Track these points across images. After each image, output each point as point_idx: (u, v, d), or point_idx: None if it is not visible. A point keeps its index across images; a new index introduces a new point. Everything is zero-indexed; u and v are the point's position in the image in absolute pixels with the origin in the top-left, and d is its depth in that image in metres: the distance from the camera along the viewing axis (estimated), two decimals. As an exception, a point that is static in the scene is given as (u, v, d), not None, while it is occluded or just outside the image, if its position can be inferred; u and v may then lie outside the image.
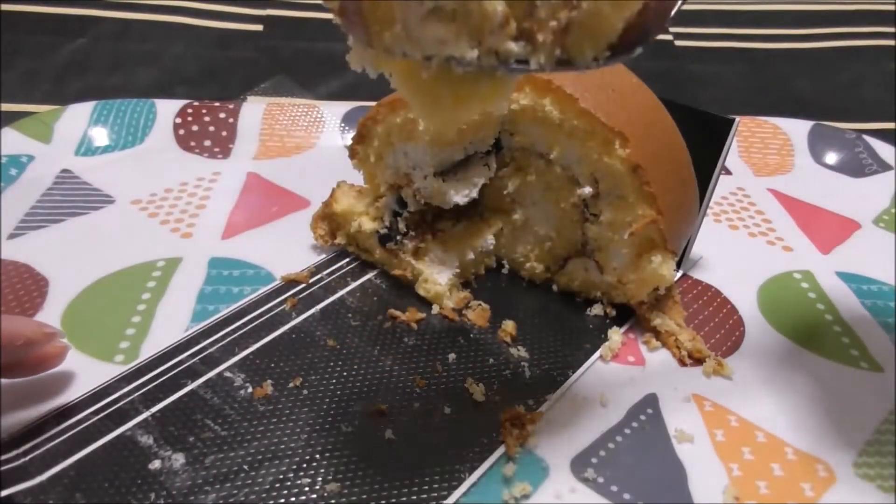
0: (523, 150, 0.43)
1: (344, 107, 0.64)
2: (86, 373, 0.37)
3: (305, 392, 0.37)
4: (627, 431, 0.37)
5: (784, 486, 0.34)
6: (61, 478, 0.32)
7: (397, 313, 0.43)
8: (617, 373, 0.40)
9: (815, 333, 0.44)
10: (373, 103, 0.42)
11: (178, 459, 0.33)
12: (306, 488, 0.32)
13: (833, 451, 0.36)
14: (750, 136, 0.66)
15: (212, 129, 0.60)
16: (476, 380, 0.39)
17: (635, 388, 0.39)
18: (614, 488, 0.34)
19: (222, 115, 0.61)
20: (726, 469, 0.35)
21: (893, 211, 0.58)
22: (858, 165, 0.63)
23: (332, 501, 0.32)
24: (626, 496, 0.33)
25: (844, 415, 0.38)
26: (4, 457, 0.33)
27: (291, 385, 0.38)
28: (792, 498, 0.34)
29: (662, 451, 0.36)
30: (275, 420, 0.36)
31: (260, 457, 0.34)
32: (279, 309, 0.43)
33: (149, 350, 0.39)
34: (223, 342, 0.40)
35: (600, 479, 0.34)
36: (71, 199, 0.52)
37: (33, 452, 0.33)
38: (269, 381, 0.38)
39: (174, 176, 0.55)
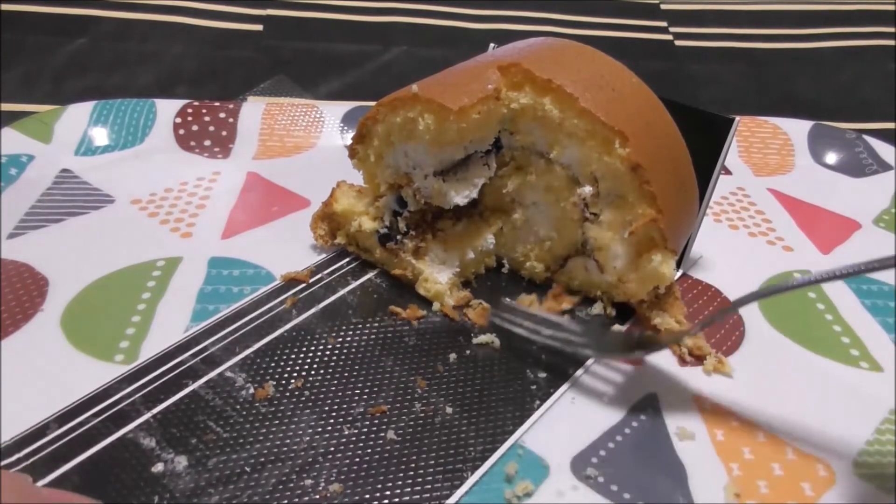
0: (523, 149, 0.43)
1: (344, 107, 0.64)
2: (86, 373, 0.38)
3: (307, 393, 0.37)
4: (627, 431, 0.37)
5: (784, 486, 0.34)
6: (64, 481, 0.32)
7: (398, 310, 0.43)
8: (617, 372, 0.40)
9: (815, 333, 0.44)
10: (372, 103, 0.42)
11: (181, 462, 0.33)
12: (309, 490, 0.32)
13: (833, 451, 0.36)
14: (750, 136, 0.66)
15: (212, 129, 0.60)
16: (477, 379, 0.39)
17: (635, 388, 0.39)
18: (614, 487, 0.34)
19: (222, 115, 0.61)
20: (726, 469, 0.35)
21: (893, 211, 0.58)
22: (858, 165, 0.63)
23: (335, 502, 0.32)
24: (627, 496, 0.33)
25: (844, 415, 0.38)
26: (6, 461, 0.33)
27: (293, 386, 0.38)
28: (792, 498, 0.34)
29: (663, 450, 0.36)
30: (276, 422, 0.36)
31: (262, 459, 0.34)
32: (280, 308, 0.43)
33: (149, 349, 0.39)
34: (224, 342, 0.40)
35: (601, 479, 0.34)
36: (71, 198, 0.52)
37: (35, 456, 0.33)
38: (271, 382, 0.38)
39: (174, 176, 0.55)
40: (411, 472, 0.34)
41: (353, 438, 0.35)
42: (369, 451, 0.34)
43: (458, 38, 0.84)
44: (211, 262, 0.47)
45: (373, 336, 0.42)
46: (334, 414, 0.36)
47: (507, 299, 0.44)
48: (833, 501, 0.34)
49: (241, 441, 0.34)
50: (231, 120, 0.61)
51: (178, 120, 0.60)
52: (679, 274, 0.48)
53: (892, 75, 0.82)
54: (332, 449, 0.34)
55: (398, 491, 0.33)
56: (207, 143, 0.60)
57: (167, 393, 0.37)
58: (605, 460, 0.35)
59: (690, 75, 0.81)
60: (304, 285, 0.45)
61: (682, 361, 0.41)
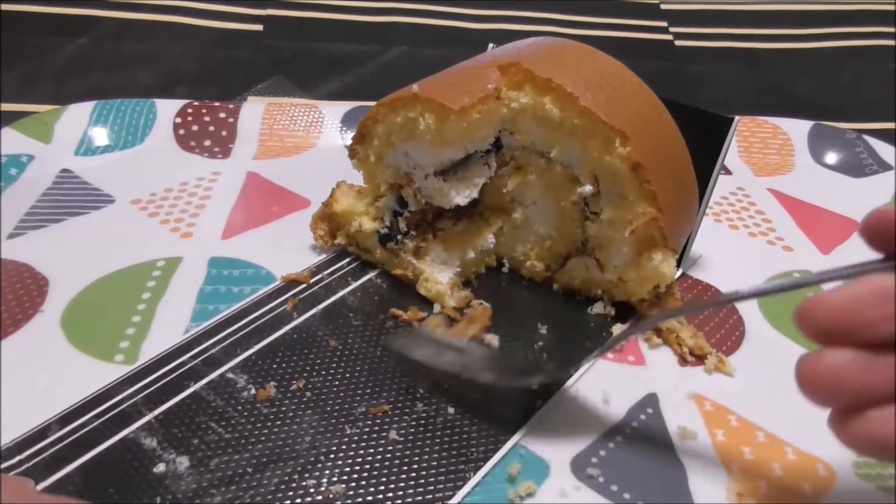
0: (523, 148, 0.43)
1: (343, 107, 0.64)
2: (86, 373, 0.37)
3: (309, 394, 0.37)
4: (628, 431, 0.37)
5: (784, 485, 0.34)
6: (65, 483, 0.32)
7: (399, 312, 0.43)
8: (617, 372, 0.40)
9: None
10: (372, 103, 0.42)
11: (183, 462, 0.33)
12: (311, 490, 0.32)
13: (833, 451, 0.36)
14: (750, 136, 0.66)
15: (212, 129, 0.60)
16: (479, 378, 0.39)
17: (636, 388, 0.39)
18: (614, 488, 0.34)
19: (222, 115, 0.61)
20: (726, 469, 0.35)
21: (893, 211, 0.58)
22: (858, 165, 0.63)
23: (338, 503, 0.32)
24: (627, 496, 0.33)
25: (845, 414, 0.38)
26: (6, 463, 0.33)
27: (294, 386, 0.38)
28: (792, 498, 0.34)
29: (663, 450, 0.36)
30: (278, 422, 0.36)
31: (265, 459, 0.34)
32: (280, 309, 0.43)
33: (149, 350, 0.39)
34: (225, 343, 0.40)
35: (601, 479, 0.34)
36: (71, 198, 0.52)
37: (36, 458, 0.33)
38: (272, 383, 0.38)
39: (174, 176, 0.55)
40: (414, 473, 0.34)
41: (356, 438, 0.35)
42: (371, 451, 0.35)
43: (458, 38, 0.84)
44: (211, 262, 0.47)
45: (374, 336, 0.42)
46: (336, 414, 0.36)
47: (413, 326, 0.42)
48: (833, 501, 0.34)
49: (243, 441, 0.34)
50: (231, 120, 0.61)
51: (178, 120, 0.60)
52: (679, 273, 0.48)
53: (892, 75, 0.82)
54: (335, 449, 0.34)
55: (401, 492, 0.33)
56: (207, 143, 0.60)
57: (168, 394, 0.37)
58: (605, 460, 0.35)
59: (690, 75, 0.81)
60: (304, 286, 0.45)
61: (683, 361, 0.41)
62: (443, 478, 0.33)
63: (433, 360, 0.38)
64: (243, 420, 0.36)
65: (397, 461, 0.34)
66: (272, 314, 0.42)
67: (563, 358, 0.40)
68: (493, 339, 0.41)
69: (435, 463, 0.34)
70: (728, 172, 0.62)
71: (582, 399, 0.38)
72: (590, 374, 0.40)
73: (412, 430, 0.36)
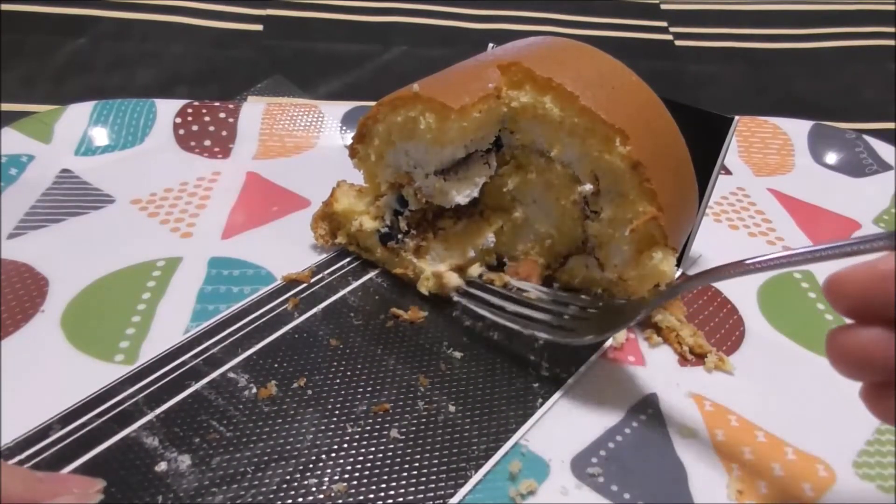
0: (524, 147, 0.43)
1: (344, 107, 0.64)
2: (86, 373, 0.37)
3: (310, 392, 0.37)
4: (628, 431, 0.37)
5: (784, 485, 0.35)
6: (67, 481, 0.32)
7: (399, 312, 0.43)
8: (617, 372, 0.40)
9: (815, 333, 0.44)
10: (373, 103, 0.43)
11: (185, 461, 0.33)
12: (313, 489, 0.33)
13: (833, 451, 0.36)
14: (750, 136, 0.66)
15: (212, 129, 0.60)
16: (479, 378, 0.39)
17: (636, 388, 0.39)
18: (615, 487, 0.34)
19: (222, 115, 0.61)
20: (726, 469, 0.35)
21: (893, 211, 0.58)
22: (858, 165, 0.63)
23: (339, 501, 0.32)
24: (627, 496, 0.33)
25: (844, 415, 0.38)
26: (8, 463, 0.33)
27: (296, 385, 0.38)
28: (792, 498, 0.34)
29: (663, 450, 0.36)
30: (280, 421, 0.36)
31: (266, 458, 0.34)
32: (281, 309, 0.43)
33: (149, 350, 0.39)
34: (226, 343, 0.40)
35: (601, 479, 0.34)
36: (71, 198, 0.52)
37: (37, 457, 0.33)
38: (274, 382, 0.38)
39: (174, 176, 0.55)
40: (415, 471, 0.34)
41: (357, 437, 0.35)
42: (373, 449, 0.35)
43: (458, 38, 0.84)
44: (211, 262, 0.47)
45: (374, 335, 0.42)
46: (337, 412, 0.36)
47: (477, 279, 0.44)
48: (833, 501, 0.34)
49: (245, 440, 0.34)
50: (231, 120, 0.61)
51: (178, 120, 0.60)
52: (679, 273, 0.48)
53: (892, 75, 0.82)
54: (336, 447, 0.35)
55: (402, 490, 0.33)
56: (207, 143, 0.60)
57: (169, 393, 0.37)
58: (605, 460, 0.35)
59: (690, 75, 0.81)
60: (305, 285, 0.45)
61: (683, 361, 0.41)
62: (444, 476, 0.33)
63: (498, 314, 0.40)
64: (244, 419, 0.36)
65: (399, 459, 0.34)
66: (273, 314, 0.42)
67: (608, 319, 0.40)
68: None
69: (436, 461, 0.34)
70: (728, 172, 0.62)
71: (582, 398, 0.38)
72: (590, 374, 0.40)
73: (413, 428, 0.36)
